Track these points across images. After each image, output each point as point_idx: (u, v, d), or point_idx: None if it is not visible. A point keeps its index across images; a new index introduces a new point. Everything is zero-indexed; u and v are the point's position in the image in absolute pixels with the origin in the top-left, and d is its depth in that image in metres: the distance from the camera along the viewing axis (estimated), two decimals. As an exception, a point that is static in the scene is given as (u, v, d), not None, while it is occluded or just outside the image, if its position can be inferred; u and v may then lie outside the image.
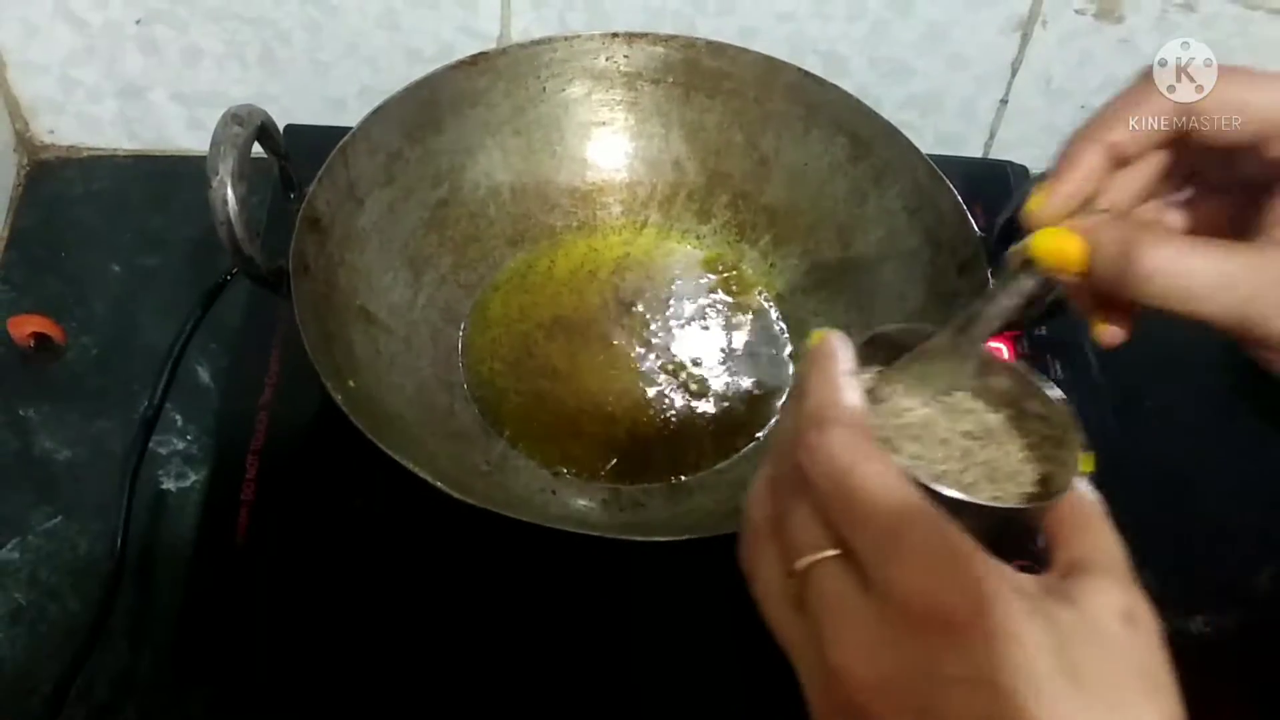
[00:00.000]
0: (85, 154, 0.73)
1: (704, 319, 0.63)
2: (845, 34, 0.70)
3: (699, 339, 0.62)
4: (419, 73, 0.58)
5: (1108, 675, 0.27)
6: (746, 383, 0.60)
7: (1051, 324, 0.62)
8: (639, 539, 0.46)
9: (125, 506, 0.52)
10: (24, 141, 0.72)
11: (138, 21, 0.67)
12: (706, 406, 0.59)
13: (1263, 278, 0.32)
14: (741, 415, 0.59)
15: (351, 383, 0.50)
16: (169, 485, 0.57)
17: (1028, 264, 0.34)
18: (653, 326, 0.62)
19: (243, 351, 0.60)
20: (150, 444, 0.54)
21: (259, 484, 0.54)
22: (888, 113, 0.59)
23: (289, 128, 0.65)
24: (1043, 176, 0.35)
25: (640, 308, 0.63)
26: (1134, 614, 0.28)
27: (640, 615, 0.53)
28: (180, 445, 0.59)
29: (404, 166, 0.59)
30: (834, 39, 0.70)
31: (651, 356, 0.61)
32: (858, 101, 0.60)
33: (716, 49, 0.62)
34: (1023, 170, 0.73)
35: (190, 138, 0.73)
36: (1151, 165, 0.36)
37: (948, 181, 0.56)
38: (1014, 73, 0.73)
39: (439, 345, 0.60)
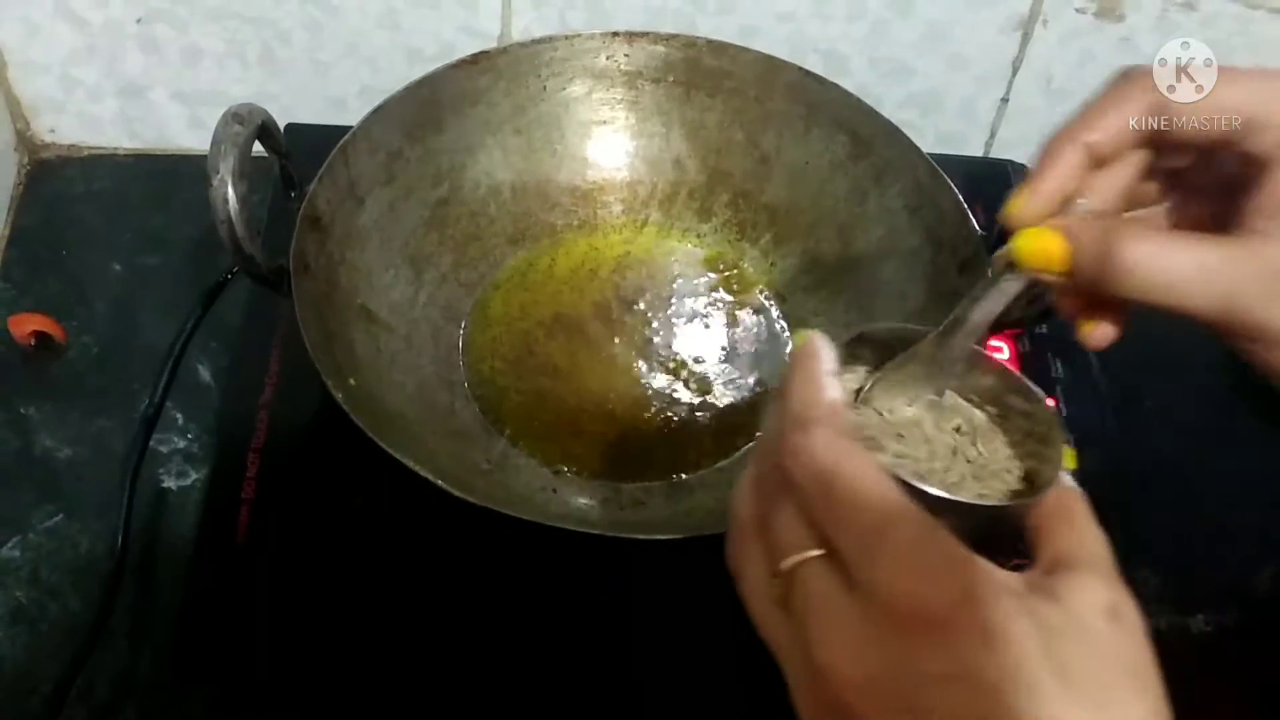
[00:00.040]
0: (86, 153, 0.73)
1: (705, 317, 0.63)
2: (846, 33, 0.70)
3: (700, 337, 0.62)
4: (419, 72, 0.58)
5: (1094, 672, 0.27)
6: (747, 381, 0.60)
7: (1052, 324, 0.61)
8: (640, 537, 0.46)
9: (126, 505, 0.52)
10: (25, 140, 0.72)
11: (138, 21, 0.67)
12: (707, 405, 0.59)
13: (1243, 269, 0.32)
14: (742, 413, 0.59)
15: (352, 381, 0.50)
16: (170, 484, 0.57)
17: (1011, 266, 0.34)
18: (653, 325, 0.62)
19: (243, 350, 0.60)
20: (151, 443, 0.54)
21: (260, 483, 0.54)
22: (888, 112, 0.59)
23: (289, 127, 0.65)
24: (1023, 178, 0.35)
25: (641, 306, 0.63)
26: (1119, 610, 0.28)
27: (641, 614, 0.53)
28: (181, 444, 0.59)
29: (404, 165, 0.59)
30: (834, 38, 0.70)
31: (652, 355, 0.61)
32: (858, 100, 0.60)
33: (717, 48, 0.62)
34: (1024, 169, 0.73)
35: (191, 137, 0.73)
36: (1130, 165, 0.36)
37: (948, 180, 0.56)
38: (1015, 72, 0.73)
39: (440, 344, 0.60)
